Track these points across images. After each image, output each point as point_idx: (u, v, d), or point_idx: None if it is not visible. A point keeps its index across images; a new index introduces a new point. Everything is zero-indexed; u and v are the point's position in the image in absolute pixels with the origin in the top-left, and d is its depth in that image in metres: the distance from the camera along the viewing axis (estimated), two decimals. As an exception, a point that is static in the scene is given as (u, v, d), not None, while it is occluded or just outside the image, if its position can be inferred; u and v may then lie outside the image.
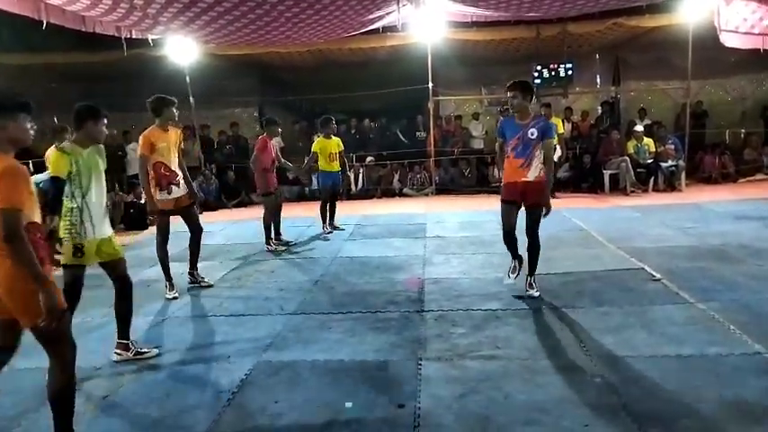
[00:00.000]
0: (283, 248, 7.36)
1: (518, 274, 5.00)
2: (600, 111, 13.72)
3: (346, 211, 8.50)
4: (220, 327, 4.67)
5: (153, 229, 9.53)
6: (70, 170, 3.70)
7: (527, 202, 4.77)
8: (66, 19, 7.32)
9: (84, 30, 7.80)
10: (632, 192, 10.98)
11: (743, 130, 13.08)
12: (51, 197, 3.75)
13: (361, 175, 12.80)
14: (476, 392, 3.29)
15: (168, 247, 5.56)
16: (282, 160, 7.74)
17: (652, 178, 11.27)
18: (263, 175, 7.30)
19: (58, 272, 5.81)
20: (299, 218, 9.48)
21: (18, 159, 2.70)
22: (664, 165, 11.28)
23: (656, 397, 3.13)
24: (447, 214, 9.52)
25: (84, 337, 4.02)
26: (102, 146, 3.98)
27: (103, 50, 10.93)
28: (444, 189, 12.35)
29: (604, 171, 11.43)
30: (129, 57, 9.75)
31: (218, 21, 8.10)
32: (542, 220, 4.79)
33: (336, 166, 8.16)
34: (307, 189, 12.23)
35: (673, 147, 11.45)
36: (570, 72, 12.19)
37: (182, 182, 5.47)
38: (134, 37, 8.92)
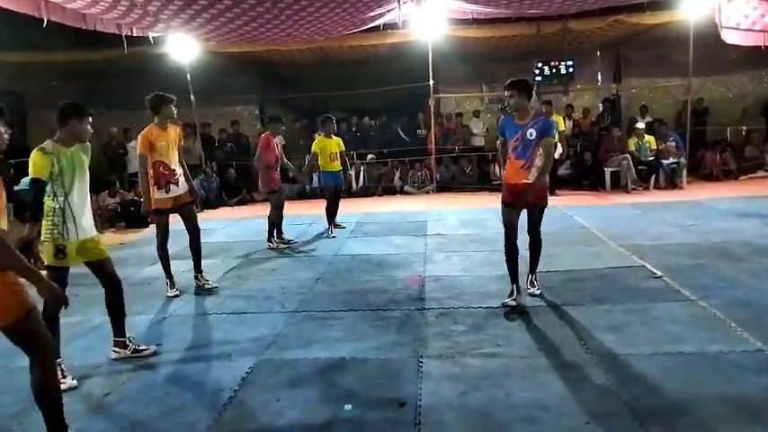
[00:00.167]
0: (285, 246, 7.36)
1: (517, 298, 4.60)
2: (601, 108, 13.70)
3: (347, 209, 8.50)
4: (221, 325, 4.67)
5: (153, 228, 9.59)
6: (52, 170, 3.58)
7: (528, 203, 4.62)
8: (66, 17, 7.31)
9: (84, 28, 7.79)
10: (633, 189, 10.97)
11: (744, 128, 13.06)
12: (32, 200, 3.60)
13: (361, 173, 12.80)
14: (477, 390, 3.29)
15: (168, 245, 5.55)
16: (285, 160, 7.70)
17: (653, 176, 11.26)
18: (266, 173, 7.28)
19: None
20: (301, 216, 9.49)
21: (17, 160, 2.69)
22: (665, 162, 11.27)
23: (657, 394, 3.13)
24: (448, 212, 9.52)
25: (85, 335, 4.03)
26: (88, 144, 3.89)
27: (104, 48, 10.91)
28: (445, 187, 12.34)
29: (605, 168, 11.41)
30: (129, 55, 9.73)
31: (218, 18, 8.09)
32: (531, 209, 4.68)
33: (337, 166, 8.07)
34: (307, 187, 12.23)
35: (674, 144, 11.44)
36: (571, 69, 12.17)
37: (181, 180, 5.43)
38: (135, 35, 8.91)
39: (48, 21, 6.84)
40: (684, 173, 11.31)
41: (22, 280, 2.66)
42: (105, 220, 10.18)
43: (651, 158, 11.28)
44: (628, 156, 11.15)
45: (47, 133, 6.73)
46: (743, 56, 12.28)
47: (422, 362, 3.71)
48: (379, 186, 12.70)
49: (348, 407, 3.18)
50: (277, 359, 3.90)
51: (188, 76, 11.38)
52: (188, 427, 3.09)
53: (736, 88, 14.02)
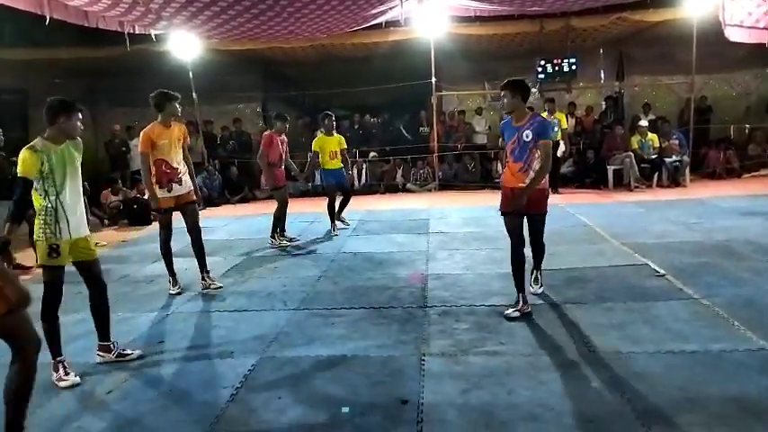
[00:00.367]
0: (287, 244, 7.36)
1: (521, 309, 4.41)
2: (604, 106, 13.66)
3: (349, 207, 8.47)
4: (224, 322, 4.68)
5: (156, 225, 9.59)
6: (41, 169, 3.52)
7: (527, 211, 4.43)
8: (68, 14, 7.31)
9: (87, 25, 7.79)
10: (636, 187, 10.95)
11: (747, 126, 13.01)
12: (16, 199, 3.52)
13: (364, 171, 12.79)
14: (479, 388, 3.29)
15: (172, 243, 5.54)
16: (289, 159, 7.65)
17: (656, 174, 11.25)
18: (270, 170, 7.28)
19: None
20: (303, 213, 9.49)
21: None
22: (668, 160, 11.25)
23: (660, 393, 3.12)
24: (450, 210, 9.52)
25: (88, 333, 4.03)
26: (80, 141, 3.86)
27: (107, 46, 10.91)
28: (447, 185, 12.34)
29: (608, 166, 11.39)
30: (132, 52, 9.73)
31: (220, 15, 8.09)
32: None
33: (338, 164, 8.00)
34: (309, 185, 12.22)
35: (677, 142, 11.41)
36: (574, 67, 12.13)
37: (185, 179, 5.37)
38: (137, 32, 8.91)
39: (50, 18, 6.84)
40: (687, 171, 11.28)
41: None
42: (108, 217, 10.21)
43: (654, 156, 11.26)
44: (630, 154, 11.13)
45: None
46: (746, 53, 12.23)
47: (424, 360, 3.71)
48: (381, 184, 12.70)
49: (345, 409, 3.16)
50: (279, 357, 3.90)
51: (190, 74, 11.38)
52: (190, 425, 3.09)
53: (739, 86, 13.97)
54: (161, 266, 5.72)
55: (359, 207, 10.00)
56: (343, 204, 8.31)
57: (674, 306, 4.45)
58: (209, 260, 5.70)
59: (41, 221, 3.61)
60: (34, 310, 3.01)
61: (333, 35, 10.61)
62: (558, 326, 4.14)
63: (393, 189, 12.63)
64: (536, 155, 4.35)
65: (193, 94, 11.49)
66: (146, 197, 10.19)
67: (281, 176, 7.39)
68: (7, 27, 10.56)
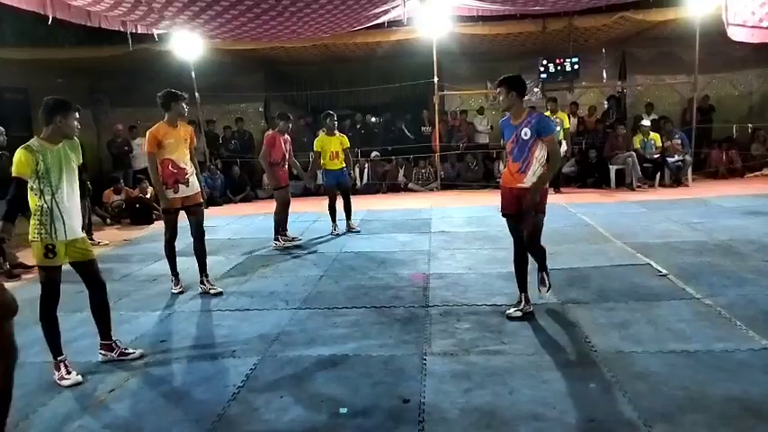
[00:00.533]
0: (290, 244, 7.32)
1: (523, 309, 4.37)
2: (606, 105, 13.66)
3: (352, 207, 8.43)
4: (226, 321, 4.68)
5: (158, 225, 9.60)
6: (36, 168, 3.51)
7: (524, 209, 4.24)
8: (71, 14, 7.32)
9: (89, 25, 7.80)
10: (638, 187, 10.95)
11: (750, 125, 12.99)
12: (10, 199, 3.49)
13: (366, 171, 12.79)
14: (481, 387, 3.29)
15: (176, 243, 5.50)
16: (293, 159, 7.59)
17: (658, 173, 11.24)
18: (272, 171, 7.23)
19: (11, 284, 5.88)
20: (305, 213, 9.50)
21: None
22: (670, 160, 11.24)
23: (662, 393, 3.12)
24: (452, 209, 9.52)
25: (90, 332, 4.03)
26: (77, 141, 3.83)
27: (109, 45, 10.96)
28: (449, 184, 12.34)
29: (610, 166, 11.38)
30: (134, 52, 9.76)
31: (223, 15, 8.09)
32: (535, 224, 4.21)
33: (339, 164, 7.91)
34: (313, 185, 12.21)
35: (679, 142, 11.40)
36: (576, 66, 12.13)
37: (192, 179, 5.30)
38: (139, 32, 8.92)
39: (53, 18, 6.85)
40: (690, 170, 11.28)
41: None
42: (110, 216, 10.23)
43: (656, 156, 11.25)
44: (633, 153, 11.12)
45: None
46: (749, 53, 12.22)
47: (426, 359, 3.71)
48: (383, 184, 12.70)
49: (343, 410, 3.15)
50: (281, 356, 3.90)
51: (193, 74, 11.40)
52: (192, 424, 3.09)
53: (742, 86, 13.95)
54: (163, 266, 5.73)
55: (361, 207, 9.99)
56: (347, 209, 8.12)
57: (677, 306, 4.44)
58: (210, 259, 5.67)
59: (37, 222, 3.59)
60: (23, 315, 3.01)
61: (335, 35, 10.61)
62: (559, 326, 4.13)
63: (395, 189, 12.64)
64: (535, 154, 4.17)
65: (196, 93, 11.51)
66: (147, 197, 10.31)
67: (283, 177, 7.33)
68: (10, 26, 10.60)
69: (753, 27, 9.32)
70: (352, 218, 8.22)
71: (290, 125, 7.47)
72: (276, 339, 4.20)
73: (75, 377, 3.63)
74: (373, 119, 13.99)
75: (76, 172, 3.79)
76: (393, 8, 8.93)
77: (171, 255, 5.47)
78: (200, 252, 5.44)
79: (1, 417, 2.77)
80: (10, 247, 6.42)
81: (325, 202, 8.22)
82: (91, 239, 8.07)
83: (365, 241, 7.44)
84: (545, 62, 12.14)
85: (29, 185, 3.55)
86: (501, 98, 4.27)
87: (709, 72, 12.85)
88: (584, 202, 9.50)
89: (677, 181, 11.20)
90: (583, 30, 11.87)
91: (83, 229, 3.92)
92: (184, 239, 5.88)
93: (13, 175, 3.51)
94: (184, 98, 5.25)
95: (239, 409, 3.21)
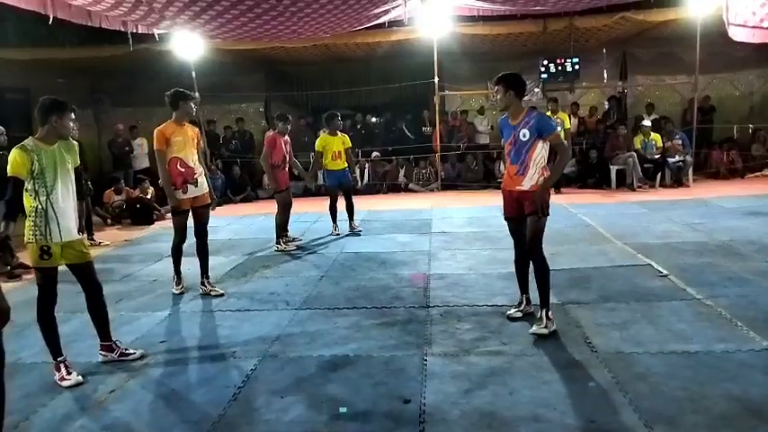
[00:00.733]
0: (292, 246, 7.28)
1: (523, 309, 4.35)
2: (607, 106, 13.66)
3: (354, 207, 8.39)
4: (226, 321, 4.68)
5: (158, 225, 9.62)
6: (32, 168, 3.48)
7: (526, 211, 4.06)
8: (72, 14, 7.32)
9: (90, 25, 7.81)
10: (639, 187, 10.94)
11: (751, 126, 12.99)
12: (8, 199, 3.48)
13: (366, 171, 12.79)
14: (481, 388, 3.29)
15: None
16: (294, 159, 7.55)
17: (659, 174, 11.23)
18: (272, 173, 7.16)
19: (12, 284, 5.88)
20: (306, 213, 9.49)
21: None
22: (671, 160, 11.24)
23: (663, 393, 3.11)
24: (453, 210, 9.52)
25: (91, 333, 4.02)
26: (73, 142, 3.82)
27: (110, 45, 10.96)
28: (450, 184, 12.33)
29: (611, 166, 11.38)
30: (135, 52, 9.76)
31: (223, 15, 8.09)
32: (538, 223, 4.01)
33: (341, 164, 7.84)
34: (312, 185, 12.20)
35: (680, 142, 11.40)
36: (577, 67, 12.11)
37: (200, 180, 5.26)
38: (140, 32, 8.93)
39: (54, 17, 6.85)
40: (690, 171, 11.27)
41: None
42: (111, 217, 10.22)
43: (657, 156, 11.25)
44: (633, 154, 11.12)
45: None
46: (750, 53, 12.21)
47: (426, 360, 3.71)
48: (383, 184, 12.69)
49: (343, 409, 3.16)
50: (281, 357, 3.90)
51: (193, 74, 11.40)
52: (192, 425, 3.09)
53: (743, 86, 13.94)
54: (163, 266, 5.72)
55: (361, 207, 9.99)
56: (349, 210, 8.04)
57: (677, 306, 4.44)
58: (211, 259, 5.62)
59: (31, 223, 3.57)
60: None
61: (336, 35, 10.61)
62: (560, 326, 4.12)
63: (395, 189, 12.63)
64: (532, 156, 3.98)
65: (196, 93, 11.49)
66: (148, 197, 10.32)
67: (283, 179, 7.27)
68: (11, 26, 10.60)
69: (753, 27, 9.31)
70: (354, 219, 8.17)
71: (289, 126, 7.39)
72: (277, 340, 4.20)
73: (75, 378, 3.63)
74: (374, 119, 13.99)
75: (72, 173, 3.77)
76: (393, 8, 8.93)
77: (177, 255, 5.41)
78: (202, 253, 5.40)
79: None
80: (13, 246, 6.43)
81: (325, 202, 8.19)
82: (92, 240, 8.10)
83: (365, 242, 7.44)
84: (546, 62, 12.13)
85: (24, 186, 3.54)
86: (498, 97, 4.12)
87: (709, 72, 12.84)
88: (584, 203, 9.50)
89: (678, 181, 11.20)
90: (583, 30, 11.86)
91: (80, 230, 3.90)
92: (188, 239, 5.87)
93: (9, 174, 3.49)
94: (193, 98, 5.25)
95: (240, 410, 3.21)
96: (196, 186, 5.23)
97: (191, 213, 5.32)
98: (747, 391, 3.07)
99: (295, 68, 14.01)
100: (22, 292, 5.57)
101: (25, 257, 6.59)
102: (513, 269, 4.44)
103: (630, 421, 2.88)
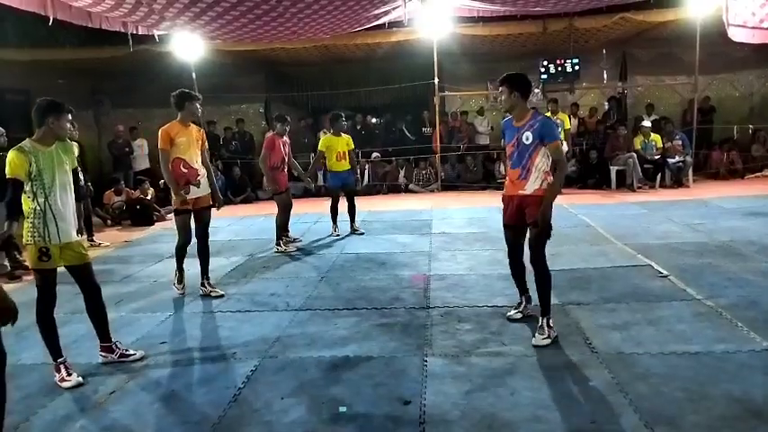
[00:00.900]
0: (292, 247, 7.27)
1: (523, 310, 4.33)
2: (607, 106, 13.66)
3: (356, 209, 8.37)
4: (226, 322, 4.68)
5: (159, 226, 9.62)
6: (30, 170, 3.49)
7: (527, 219, 3.94)
8: (72, 15, 7.32)
9: (90, 26, 7.81)
10: (639, 188, 10.95)
11: (751, 126, 12.99)
12: (9, 201, 3.49)
13: (366, 171, 12.79)
14: (482, 389, 3.28)
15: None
16: (293, 160, 7.52)
17: (659, 174, 11.24)
18: (271, 174, 7.13)
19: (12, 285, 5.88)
20: (306, 214, 9.49)
21: None
22: (671, 161, 11.24)
23: (663, 394, 3.11)
24: (453, 210, 9.52)
25: (92, 333, 4.02)
26: (70, 143, 3.80)
27: (110, 46, 10.96)
28: (450, 185, 12.34)
29: (611, 167, 11.39)
30: (135, 53, 9.76)
31: (223, 16, 8.09)
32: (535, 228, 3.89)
33: (345, 165, 7.80)
34: (312, 186, 12.19)
35: (680, 142, 11.40)
36: (577, 67, 12.13)
37: (203, 181, 5.24)
38: (140, 33, 8.93)
39: (54, 19, 6.85)
40: (690, 171, 11.28)
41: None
42: (111, 218, 10.23)
43: (657, 157, 11.25)
44: (633, 154, 11.12)
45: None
46: (750, 54, 12.22)
47: (426, 360, 3.71)
48: (383, 185, 12.70)
49: (343, 408, 3.16)
50: (282, 358, 3.90)
51: (193, 75, 11.40)
52: (193, 426, 3.09)
53: (742, 87, 13.95)
54: (164, 267, 5.72)
55: (361, 208, 9.98)
56: (351, 212, 8.03)
57: (678, 307, 4.44)
58: (211, 260, 5.59)
59: (30, 224, 3.56)
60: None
61: (336, 36, 10.62)
62: (560, 327, 4.12)
63: (395, 190, 12.63)
64: (535, 161, 3.86)
65: (196, 94, 11.49)
66: (148, 198, 10.32)
67: (282, 181, 7.24)
68: (11, 27, 10.60)
69: (753, 28, 9.32)
70: (355, 220, 8.16)
71: (288, 127, 7.35)
72: (277, 341, 4.20)
73: (75, 379, 3.62)
74: (374, 120, 13.99)
75: (70, 174, 3.77)
76: (393, 9, 8.93)
77: (181, 256, 5.38)
78: (203, 254, 5.39)
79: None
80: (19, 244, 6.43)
81: (325, 203, 8.19)
82: (92, 241, 8.10)
83: (366, 243, 7.43)
84: (545, 63, 12.15)
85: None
86: (503, 98, 3.97)
87: (709, 73, 12.85)
88: (584, 203, 9.50)
89: (678, 182, 11.20)
90: (583, 30, 11.88)
91: (79, 231, 3.90)
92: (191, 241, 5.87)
93: (8, 176, 3.49)
94: (198, 99, 5.24)
95: (240, 411, 3.21)
96: (198, 187, 5.22)
97: (193, 215, 5.29)
98: (748, 392, 3.07)
99: (295, 69, 14.02)
100: (21, 293, 5.57)
101: (26, 259, 6.63)
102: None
103: (631, 422, 2.87)
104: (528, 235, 4.02)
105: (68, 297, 4.30)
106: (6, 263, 6.54)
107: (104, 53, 11.34)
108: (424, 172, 12.64)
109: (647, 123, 11.75)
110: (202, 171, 5.26)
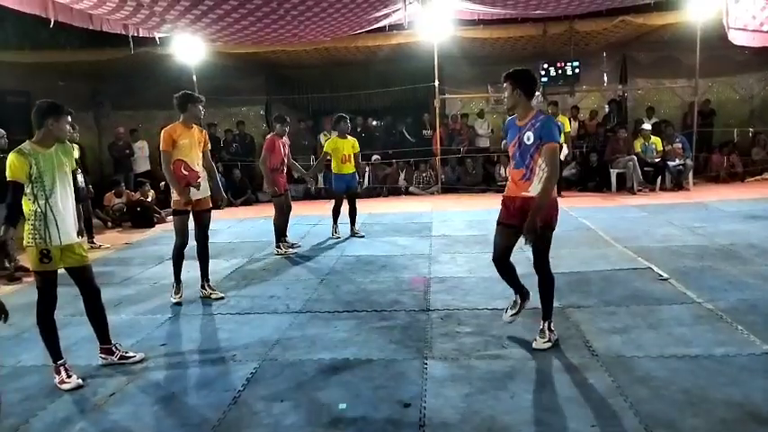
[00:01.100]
0: (293, 252, 7.21)
1: (519, 310, 4.08)
2: (607, 109, 13.67)
3: (357, 212, 8.36)
4: (226, 324, 4.68)
5: (159, 228, 9.61)
6: (30, 172, 3.49)
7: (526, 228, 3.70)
8: (73, 17, 7.33)
9: (91, 28, 7.82)
10: (639, 191, 10.94)
11: (751, 129, 13.00)
12: (9, 204, 3.49)
13: (367, 174, 12.79)
14: (482, 392, 3.28)
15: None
16: (292, 160, 7.51)
17: (659, 177, 11.24)
18: (271, 177, 7.10)
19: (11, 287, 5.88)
20: (306, 216, 9.49)
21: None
22: (671, 164, 11.24)
23: (663, 397, 3.11)
24: (453, 213, 9.52)
25: (92, 336, 4.02)
26: (69, 145, 3.81)
27: (111, 49, 10.97)
28: (450, 188, 12.34)
29: (611, 170, 11.39)
30: (136, 55, 9.78)
31: (224, 18, 8.10)
32: (526, 243, 3.72)
33: (350, 168, 7.77)
34: (312, 188, 12.21)
35: (680, 145, 11.41)
36: (577, 70, 12.13)
37: (203, 184, 5.23)
38: (141, 35, 8.94)
39: (55, 21, 6.86)
40: (691, 174, 11.28)
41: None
42: (111, 220, 10.23)
43: (657, 160, 11.26)
44: (634, 157, 11.12)
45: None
46: (750, 57, 12.24)
47: (426, 363, 3.71)
48: (383, 187, 12.69)
49: (342, 406, 3.18)
50: (281, 360, 3.90)
51: (194, 77, 11.41)
52: (192, 428, 3.09)
53: (743, 90, 13.96)
54: (164, 269, 5.71)
55: (362, 210, 9.97)
56: (352, 214, 8.02)
57: (678, 310, 4.44)
58: (211, 262, 5.60)
59: (31, 226, 3.56)
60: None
61: (336, 38, 10.63)
62: (560, 330, 4.11)
63: (395, 192, 12.63)
64: (538, 161, 3.70)
65: (199, 96, 11.51)
66: (149, 200, 10.32)
67: (282, 183, 7.22)
68: (12, 29, 10.61)
69: (753, 31, 9.33)
70: (355, 223, 8.15)
71: (287, 128, 7.32)
72: (276, 343, 4.19)
73: (75, 381, 3.62)
74: (374, 122, 14.00)
75: (70, 176, 3.77)
76: (394, 12, 8.95)
77: (178, 261, 5.30)
78: (202, 256, 5.38)
79: None
80: (12, 250, 6.43)
81: (326, 205, 8.18)
82: (92, 243, 8.10)
83: (366, 245, 7.43)
84: (546, 66, 12.15)
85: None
86: (506, 95, 3.82)
87: (709, 76, 12.86)
88: (585, 206, 9.50)
89: (678, 185, 11.20)
90: (583, 33, 11.89)
91: (79, 233, 3.90)
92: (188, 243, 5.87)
93: (9, 179, 3.49)
94: (201, 101, 5.24)
95: (239, 414, 3.20)
96: (198, 189, 5.21)
97: (192, 217, 5.28)
98: (748, 395, 3.07)
99: (296, 72, 14.04)
100: (22, 295, 5.58)
101: (25, 261, 6.62)
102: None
103: (631, 425, 2.87)
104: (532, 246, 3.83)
105: (69, 299, 4.30)
106: (7, 264, 6.54)
107: (105, 55, 11.36)
108: (424, 174, 12.64)
109: (647, 126, 11.74)
110: (203, 173, 5.25)
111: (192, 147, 5.14)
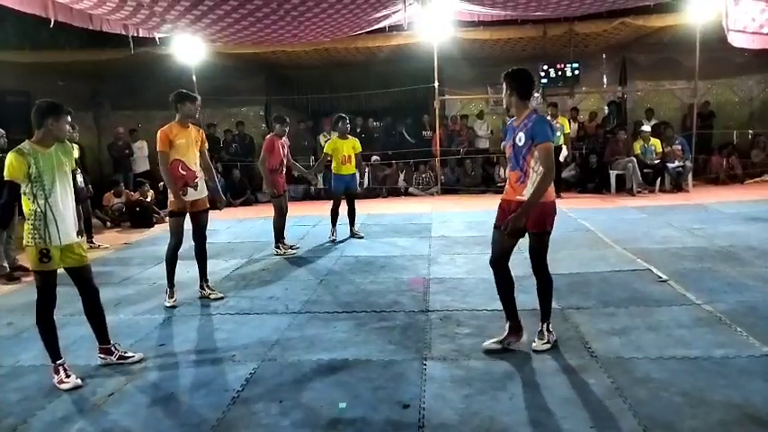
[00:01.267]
0: (292, 252, 7.20)
1: (503, 342, 3.83)
2: (606, 111, 13.69)
3: (356, 213, 8.35)
4: (225, 325, 4.67)
5: (158, 228, 9.61)
6: (29, 172, 3.48)
7: (527, 227, 3.69)
8: (73, 17, 7.33)
9: (91, 28, 7.82)
10: (639, 192, 10.95)
11: (750, 131, 13.01)
12: (3, 203, 3.48)
13: (366, 175, 12.79)
14: (481, 393, 3.28)
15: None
16: (291, 160, 7.50)
17: (659, 179, 11.25)
18: (270, 177, 7.09)
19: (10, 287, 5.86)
20: (305, 217, 9.49)
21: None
22: (670, 165, 11.24)
23: (662, 399, 3.11)
24: (452, 214, 9.52)
25: (91, 336, 4.02)
26: (69, 145, 3.82)
27: (111, 49, 10.98)
28: (450, 188, 12.34)
29: (611, 171, 11.40)
30: (136, 55, 9.78)
31: (224, 19, 8.10)
32: (506, 232, 3.62)
33: (350, 169, 7.72)
34: (312, 188, 12.22)
35: (680, 147, 11.41)
36: (577, 72, 12.16)
37: (201, 184, 5.21)
38: (141, 35, 8.94)
39: (55, 21, 6.86)
40: (690, 176, 11.28)
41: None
42: (110, 220, 10.23)
43: (657, 162, 11.26)
44: (633, 159, 11.13)
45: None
46: (749, 59, 12.25)
47: (425, 364, 3.71)
48: (383, 188, 12.70)
49: (342, 405, 3.18)
50: (280, 360, 3.90)
51: (194, 77, 11.41)
52: (191, 428, 3.09)
53: (742, 92, 13.98)
54: (163, 269, 5.66)
55: (361, 211, 9.97)
56: (351, 215, 7.99)
57: (677, 312, 4.44)
58: (210, 263, 5.61)
59: (30, 226, 3.56)
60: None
61: (336, 39, 10.64)
62: (559, 331, 4.11)
63: (395, 193, 12.64)
64: (531, 163, 3.61)
65: (194, 94, 11.51)
66: (148, 200, 10.31)
67: (281, 183, 7.22)
68: (12, 29, 10.61)
69: (753, 33, 9.35)
70: (354, 224, 8.12)
71: (287, 128, 7.29)
72: (276, 344, 4.19)
73: (74, 380, 3.62)
74: (374, 123, 14.01)
75: (70, 176, 3.77)
76: (394, 13, 8.95)
77: (172, 263, 5.26)
78: (201, 256, 5.36)
79: None
80: (11, 250, 6.43)
81: (325, 205, 8.16)
82: (91, 242, 8.10)
83: (365, 246, 7.43)
84: (545, 67, 12.17)
85: (22, 189, 3.54)
86: (504, 94, 3.75)
87: (709, 78, 12.88)
88: (584, 208, 9.50)
89: (677, 186, 11.21)
90: (583, 35, 11.91)
91: (79, 233, 3.89)
92: (185, 242, 5.86)
93: (6, 179, 3.49)
94: (195, 99, 5.20)
95: (238, 414, 3.20)
96: (196, 190, 5.18)
97: (190, 217, 5.25)
98: (747, 397, 3.07)
99: (295, 72, 14.05)
100: (21, 294, 5.57)
101: (25, 260, 6.62)
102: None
103: (630, 427, 2.87)
104: (530, 243, 3.81)
105: (68, 299, 4.29)
106: (5, 264, 6.53)
107: (105, 55, 11.37)
108: (423, 175, 12.65)
109: (646, 128, 11.76)
110: (200, 173, 5.22)
111: (189, 146, 5.11)
